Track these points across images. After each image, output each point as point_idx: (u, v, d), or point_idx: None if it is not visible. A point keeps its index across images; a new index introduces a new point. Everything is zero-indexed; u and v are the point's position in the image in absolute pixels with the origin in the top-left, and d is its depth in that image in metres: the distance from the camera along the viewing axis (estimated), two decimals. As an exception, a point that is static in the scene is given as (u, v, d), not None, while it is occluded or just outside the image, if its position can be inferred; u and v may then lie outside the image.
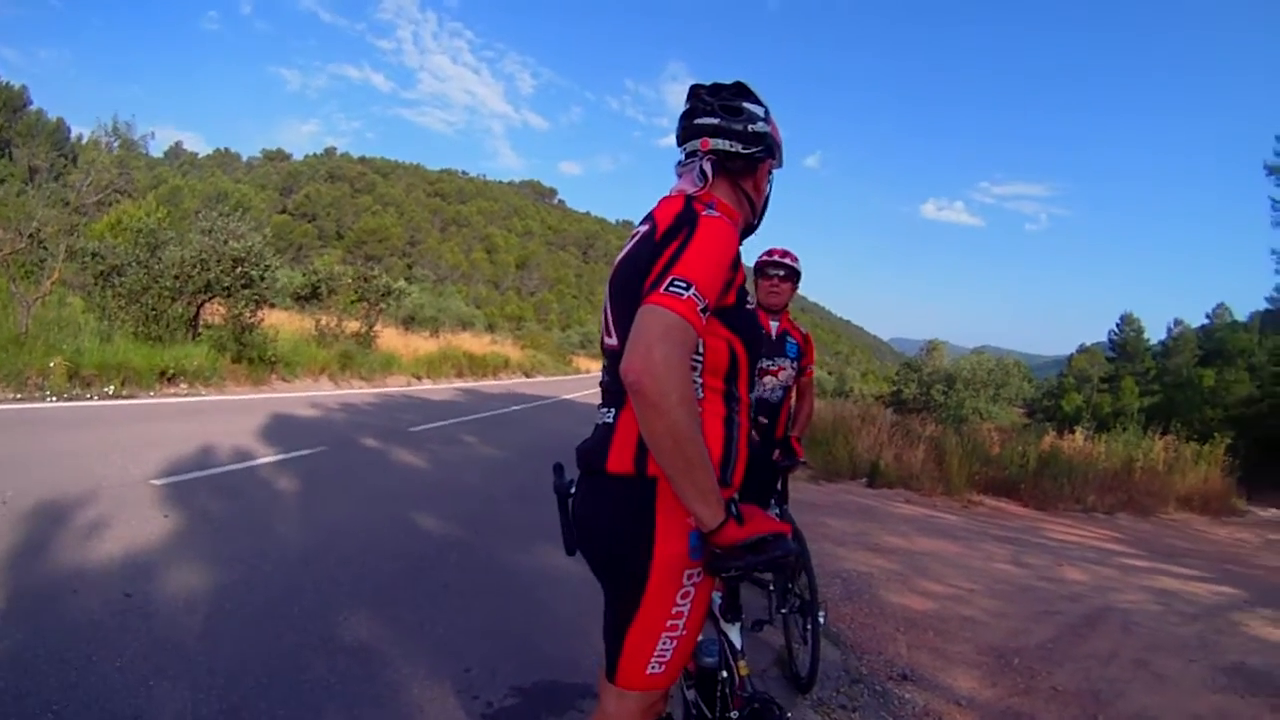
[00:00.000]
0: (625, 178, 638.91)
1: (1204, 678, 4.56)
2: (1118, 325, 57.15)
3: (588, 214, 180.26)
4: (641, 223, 1.90)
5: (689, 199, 1.84)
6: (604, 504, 1.84)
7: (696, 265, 1.64)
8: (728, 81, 2.01)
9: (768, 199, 2.09)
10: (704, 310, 1.61)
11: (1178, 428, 16.19)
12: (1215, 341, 46.80)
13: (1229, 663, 4.82)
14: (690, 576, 1.76)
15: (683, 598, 1.77)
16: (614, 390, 1.84)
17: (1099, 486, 12.77)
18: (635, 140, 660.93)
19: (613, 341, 1.84)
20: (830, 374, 58.72)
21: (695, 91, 2.01)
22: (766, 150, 1.98)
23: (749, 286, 2.10)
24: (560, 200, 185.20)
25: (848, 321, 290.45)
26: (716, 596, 2.23)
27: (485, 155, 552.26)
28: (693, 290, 1.59)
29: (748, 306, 1.89)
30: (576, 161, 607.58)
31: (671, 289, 1.59)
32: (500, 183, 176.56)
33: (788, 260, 4.41)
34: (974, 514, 10.67)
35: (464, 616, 4.40)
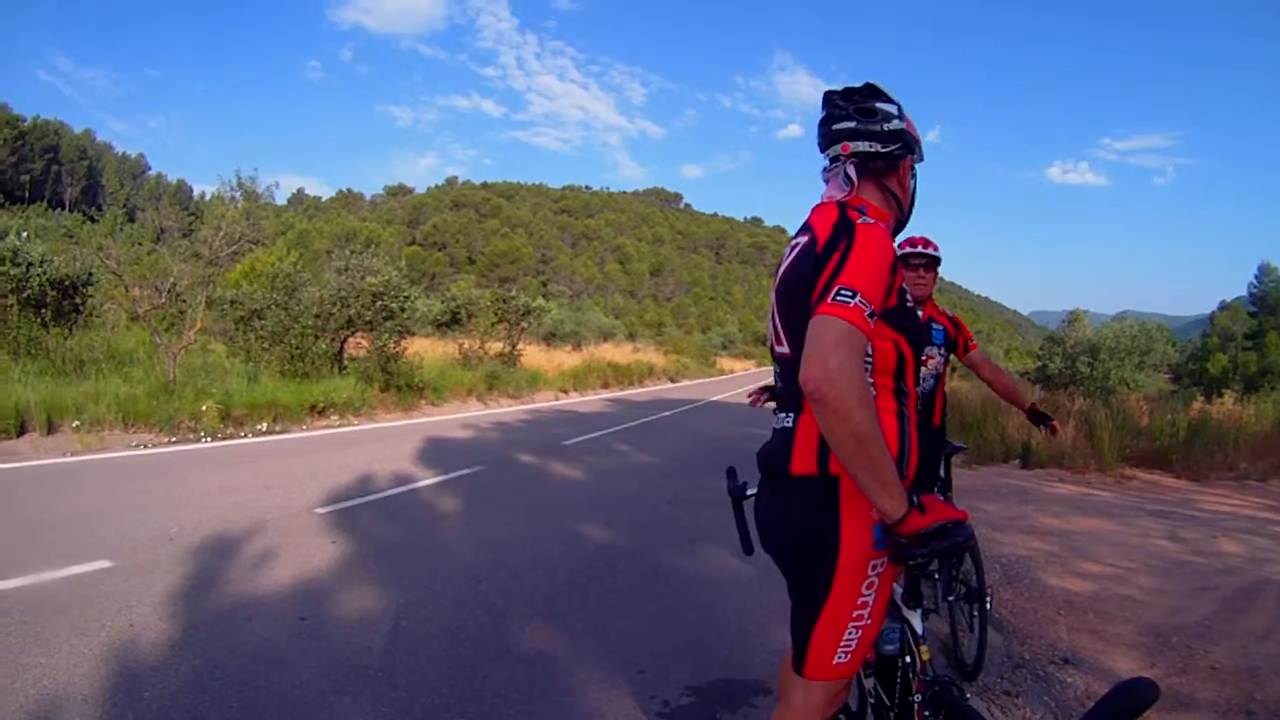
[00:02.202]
0: (747, 175, 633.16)
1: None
2: (1257, 277, 52.81)
3: (715, 215, 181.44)
4: (799, 233, 2.04)
5: (842, 207, 1.95)
6: (790, 506, 1.95)
7: (859, 273, 1.76)
8: (857, 84, 2.13)
9: (914, 194, 2.18)
10: (871, 315, 1.74)
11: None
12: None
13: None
14: (874, 567, 1.87)
15: (867, 588, 1.88)
16: (789, 395, 1.98)
17: (1250, 452, 12.29)
18: (753, 136, 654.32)
19: (784, 349, 1.98)
20: (975, 354, 56.64)
21: (829, 98, 2.13)
22: (905, 147, 2.07)
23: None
24: (686, 204, 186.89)
25: (986, 299, 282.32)
26: (898, 586, 2.29)
27: (606, 168, 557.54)
28: (859, 298, 1.72)
29: (908, 305, 2.01)
30: (697, 164, 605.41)
31: (839, 298, 1.72)
32: (624, 193, 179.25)
33: (929, 250, 4.43)
34: (1127, 489, 10.44)
35: (634, 622, 4.42)
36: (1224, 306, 64.06)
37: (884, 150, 2.04)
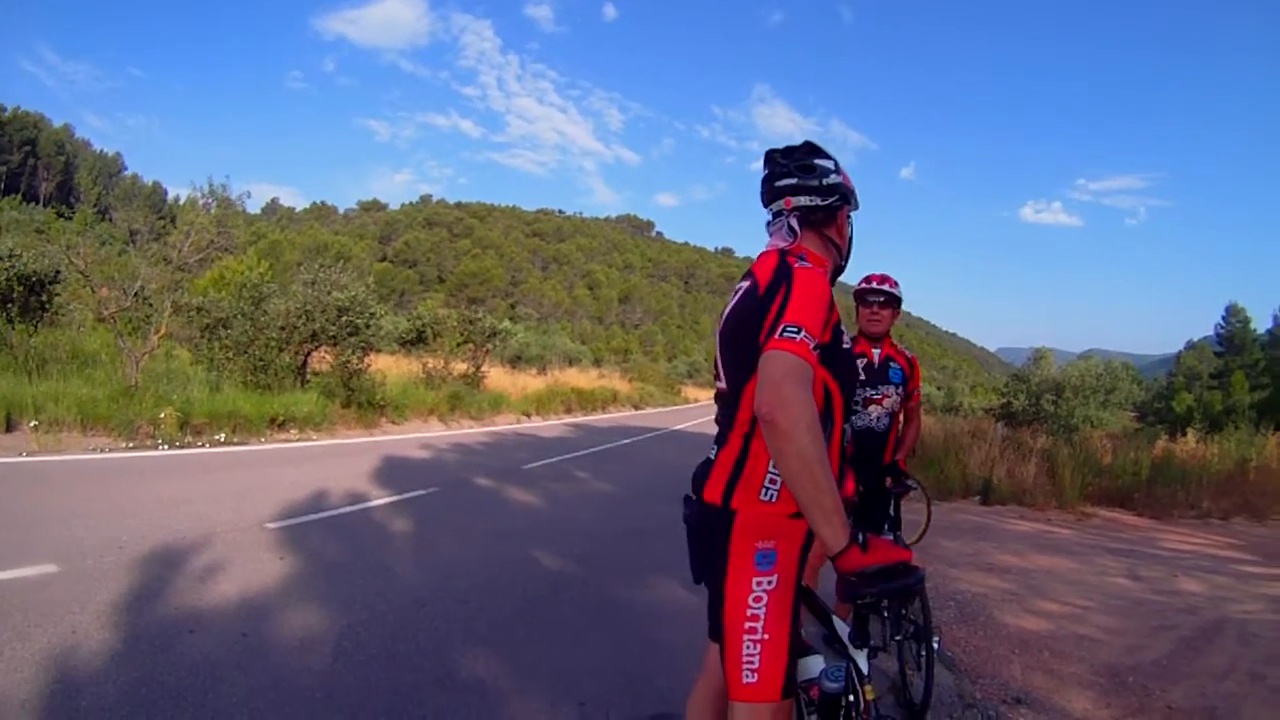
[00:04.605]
0: (721, 205, 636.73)
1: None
2: (1224, 317, 54.26)
3: (686, 244, 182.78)
4: (744, 279, 2.21)
5: (782, 254, 2.14)
6: (698, 522, 2.21)
7: (801, 311, 1.92)
8: (797, 143, 2.31)
9: (850, 240, 2.40)
10: (815, 348, 1.90)
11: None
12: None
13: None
14: (759, 584, 2.07)
15: (755, 601, 2.06)
16: (721, 429, 2.21)
17: (1213, 491, 12.52)
18: (728, 167, 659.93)
19: (721, 384, 2.21)
20: (939, 389, 57.15)
21: (771, 156, 2.32)
22: (842, 199, 2.28)
23: (846, 314, 2.31)
24: (658, 232, 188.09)
25: (954, 334, 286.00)
26: (846, 625, 2.37)
27: (580, 192, 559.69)
28: (803, 333, 1.87)
29: (844, 345, 2.18)
30: (671, 193, 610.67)
31: (785, 334, 1.87)
32: (597, 219, 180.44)
33: (886, 286, 4.41)
34: (1088, 527, 10.58)
35: (579, 653, 4.40)
36: (1190, 346, 65.33)
37: (823, 203, 2.24)
